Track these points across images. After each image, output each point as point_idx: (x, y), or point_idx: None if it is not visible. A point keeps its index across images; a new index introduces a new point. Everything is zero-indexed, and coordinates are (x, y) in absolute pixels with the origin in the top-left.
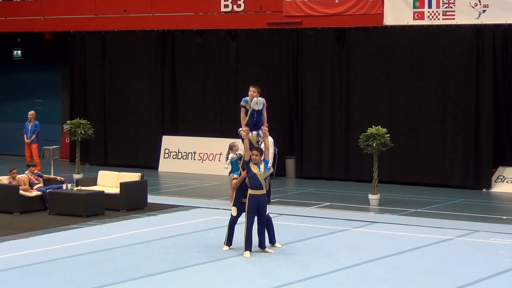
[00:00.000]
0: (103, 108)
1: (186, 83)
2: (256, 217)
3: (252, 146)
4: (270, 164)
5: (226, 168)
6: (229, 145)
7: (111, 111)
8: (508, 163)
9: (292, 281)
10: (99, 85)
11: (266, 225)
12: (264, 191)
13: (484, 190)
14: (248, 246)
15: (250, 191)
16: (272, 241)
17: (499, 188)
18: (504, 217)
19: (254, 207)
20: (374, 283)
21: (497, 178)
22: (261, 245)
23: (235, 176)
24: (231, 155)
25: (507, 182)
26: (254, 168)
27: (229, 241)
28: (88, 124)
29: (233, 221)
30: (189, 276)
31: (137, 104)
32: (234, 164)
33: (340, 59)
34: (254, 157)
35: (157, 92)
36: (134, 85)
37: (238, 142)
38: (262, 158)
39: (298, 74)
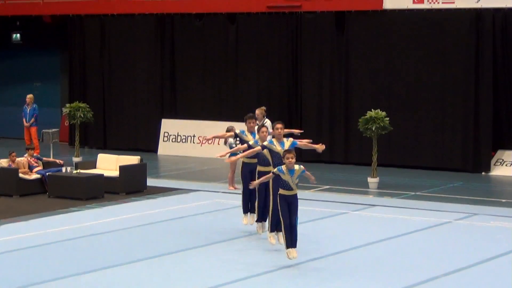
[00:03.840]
0: (102, 92)
1: (185, 67)
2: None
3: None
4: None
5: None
6: (227, 128)
7: (110, 95)
8: (507, 146)
9: (290, 264)
10: (98, 69)
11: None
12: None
13: (483, 173)
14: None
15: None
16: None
17: (498, 171)
18: (503, 200)
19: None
20: (373, 266)
21: (496, 161)
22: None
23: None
24: (230, 140)
25: (506, 165)
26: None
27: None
28: (88, 107)
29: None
30: (188, 259)
31: (136, 88)
32: (232, 148)
33: (340, 43)
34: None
35: (156, 76)
36: (133, 69)
37: (236, 125)
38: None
39: (298, 58)
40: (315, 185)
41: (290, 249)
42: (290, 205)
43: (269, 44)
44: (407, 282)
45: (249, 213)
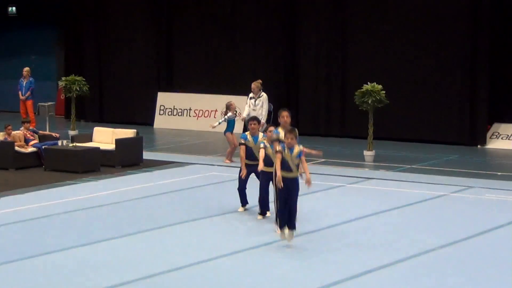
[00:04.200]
0: (98, 65)
1: (181, 40)
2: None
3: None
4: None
5: (214, 127)
6: (226, 104)
7: (106, 68)
8: (503, 119)
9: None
10: (94, 42)
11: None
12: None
13: (479, 146)
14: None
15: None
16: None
17: (494, 144)
18: (499, 173)
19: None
20: (369, 239)
21: (492, 134)
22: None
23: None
24: (229, 114)
25: (502, 138)
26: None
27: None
28: (83, 80)
29: (242, 188)
30: (185, 231)
31: (132, 61)
32: (231, 123)
33: (336, 16)
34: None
35: (152, 49)
36: (130, 42)
37: (233, 99)
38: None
39: (295, 30)
40: (311, 159)
41: (285, 230)
42: (290, 191)
43: (267, 14)
44: (403, 254)
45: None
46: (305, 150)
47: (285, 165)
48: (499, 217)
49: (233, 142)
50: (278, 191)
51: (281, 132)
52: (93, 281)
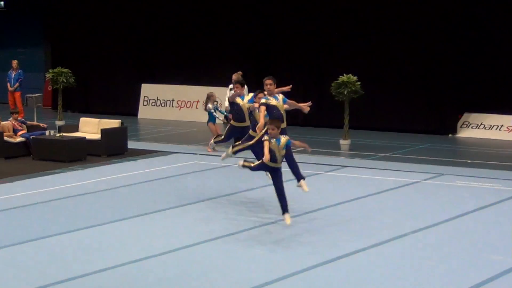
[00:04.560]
0: (84, 57)
1: (163, 32)
2: None
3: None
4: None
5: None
6: (207, 94)
7: (92, 60)
8: (473, 109)
9: (268, 222)
10: (80, 35)
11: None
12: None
13: (450, 135)
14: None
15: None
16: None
17: (464, 133)
18: (469, 161)
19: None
20: (344, 224)
21: (463, 124)
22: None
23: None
24: (209, 105)
25: (472, 127)
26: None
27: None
28: (70, 72)
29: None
30: (168, 218)
31: (117, 54)
32: (211, 114)
33: (313, 8)
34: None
35: (136, 42)
36: (114, 35)
37: (215, 90)
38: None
39: (273, 21)
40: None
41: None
42: (273, 176)
43: (244, 9)
44: (377, 239)
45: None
46: (294, 142)
47: (271, 155)
48: (469, 203)
49: (216, 132)
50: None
51: (270, 99)
52: (80, 266)
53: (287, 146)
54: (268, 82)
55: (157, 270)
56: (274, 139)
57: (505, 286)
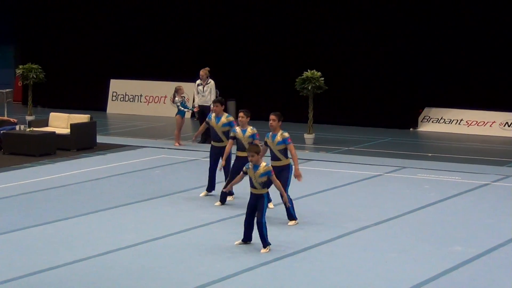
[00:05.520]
0: (54, 53)
1: (131, 29)
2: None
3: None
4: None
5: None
6: (175, 88)
7: (61, 56)
8: (433, 104)
9: (228, 216)
10: (50, 31)
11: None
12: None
13: (411, 129)
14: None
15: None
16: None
17: (425, 127)
18: (429, 155)
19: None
20: (308, 217)
21: (423, 118)
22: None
23: None
24: (177, 98)
25: (432, 122)
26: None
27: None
28: (40, 68)
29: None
30: (136, 211)
31: (86, 49)
32: (182, 105)
33: (276, 2)
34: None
35: (104, 38)
36: (83, 30)
37: (183, 85)
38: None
39: (238, 13)
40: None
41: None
42: (254, 204)
43: (210, 2)
44: (340, 231)
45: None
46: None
47: (250, 182)
48: (430, 195)
49: (180, 125)
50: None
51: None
52: (49, 258)
53: (267, 174)
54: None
55: (125, 263)
56: (251, 166)
57: (464, 276)
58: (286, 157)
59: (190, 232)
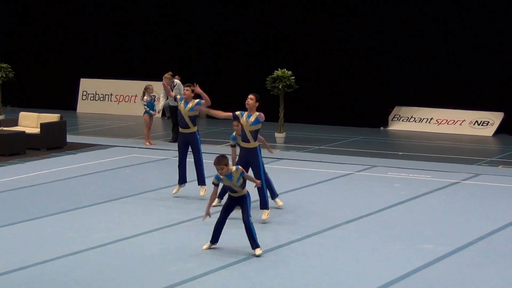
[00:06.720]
0: (23, 52)
1: (101, 28)
2: None
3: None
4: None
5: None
6: (145, 86)
7: (31, 55)
8: (403, 103)
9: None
10: (19, 30)
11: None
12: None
13: (381, 128)
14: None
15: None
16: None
17: (395, 126)
18: (400, 153)
19: None
20: (280, 215)
21: (394, 117)
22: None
23: None
24: (145, 97)
25: (402, 120)
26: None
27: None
28: (9, 67)
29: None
30: (107, 210)
31: (56, 49)
32: (149, 105)
33: (249, 1)
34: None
35: (74, 37)
36: (52, 29)
37: (152, 84)
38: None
39: (208, 12)
40: (224, 140)
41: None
42: (231, 206)
43: (179, 1)
44: (311, 230)
45: (181, 184)
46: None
47: (230, 189)
48: (400, 193)
49: (149, 124)
50: (225, 203)
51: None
52: (18, 258)
53: (241, 175)
54: (250, 97)
55: (96, 262)
56: (223, 177)
57: (435, 274)
58: (255, 139)
59: (160, 231)
